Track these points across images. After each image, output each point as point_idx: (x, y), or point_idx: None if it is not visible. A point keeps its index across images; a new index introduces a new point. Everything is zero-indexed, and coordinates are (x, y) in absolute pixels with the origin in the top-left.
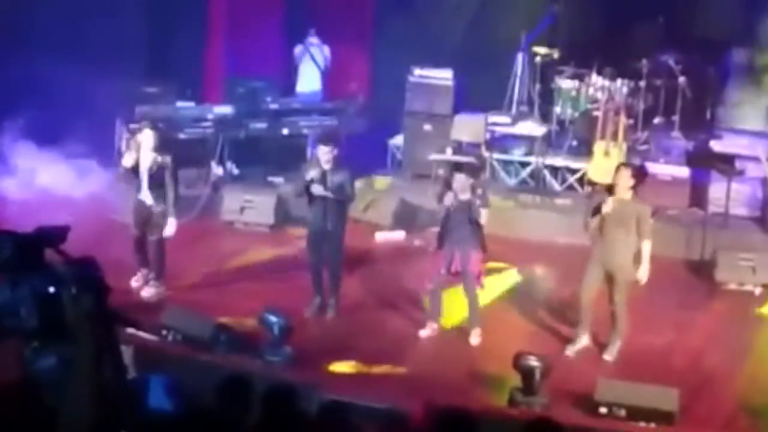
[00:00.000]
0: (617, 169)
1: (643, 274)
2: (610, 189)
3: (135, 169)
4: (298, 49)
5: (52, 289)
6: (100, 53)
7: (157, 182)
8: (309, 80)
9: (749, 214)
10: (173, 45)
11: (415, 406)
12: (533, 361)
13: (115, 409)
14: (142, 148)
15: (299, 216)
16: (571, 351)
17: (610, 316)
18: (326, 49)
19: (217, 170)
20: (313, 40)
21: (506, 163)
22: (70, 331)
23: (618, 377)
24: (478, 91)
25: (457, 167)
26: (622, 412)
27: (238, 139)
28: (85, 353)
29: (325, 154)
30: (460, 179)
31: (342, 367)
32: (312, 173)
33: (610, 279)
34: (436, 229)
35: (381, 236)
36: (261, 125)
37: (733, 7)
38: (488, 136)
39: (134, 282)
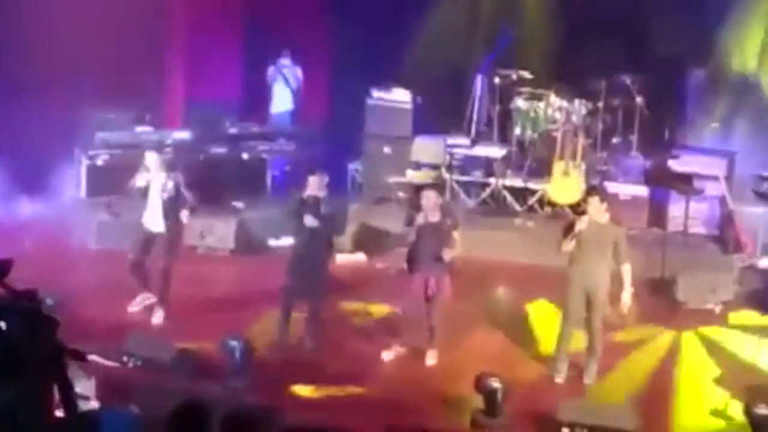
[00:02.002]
0: (587, 194)
1: (627, 298)
2: (575, 210)
3: (144, 191)
4: (270, 71)
5: (2, 324)
6: (57, 79)
7: (167, 203)
8: (281, 101)
9: (708, 233)
10: (131, 71)
11: (377, 430)
12: (495, 383)
13: None
14: (152, 171)
15: (260, 240)
16: (560, 378)
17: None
18: (298, 71)
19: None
20: (285, 61)
21: (466, 185)
22: (19, 365)
23: (579, 396)
24: (438, 113)
25: (426, 186)
26: None
27: (197, 163)
28: (35, 388)
29: (317, 182)
30: (430, 196)
31: (303, 390)
32: (305, 199)
33: (587, 302)
34: (397, 251)
35: (342, 258)
36: (220, 150)
37: (689, 26)
38: (448, 157)
39: (133, 307)
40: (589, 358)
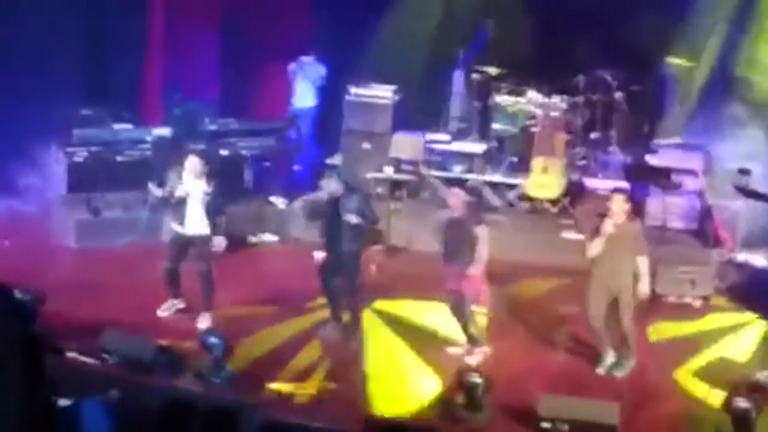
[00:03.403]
0: (612, 194)
1: (644, 288)
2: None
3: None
4: (292, 67)
5: None
6: (35, 76)
7: (204, 209)
8: (303, 97)
9: (687, 227)
10: (110, 67)
11: (355, 425)
12: (475, 378)
13: None
14: (188, 176)
15: (240, 237)
16: (602, 369)
17: (619, 338)
18: (321, 68)
19: (156, 192)
20: (307, 59)
21: (446, 181)
22: None
23: (560, 392)
24: (417, 110)
25: (453, 182)
26: (565, 427)
27: (177, 160)
28: (11, 381)
29: (331, 184)
30: (455, 192)
31: (282, 386)
32: (326, 197)
33: (614, 301)
34: (376, 248)
35: (319, 255)
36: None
37: (668, 21)
38: (427, 153)
39: (161, 311)
40: (628, 354)
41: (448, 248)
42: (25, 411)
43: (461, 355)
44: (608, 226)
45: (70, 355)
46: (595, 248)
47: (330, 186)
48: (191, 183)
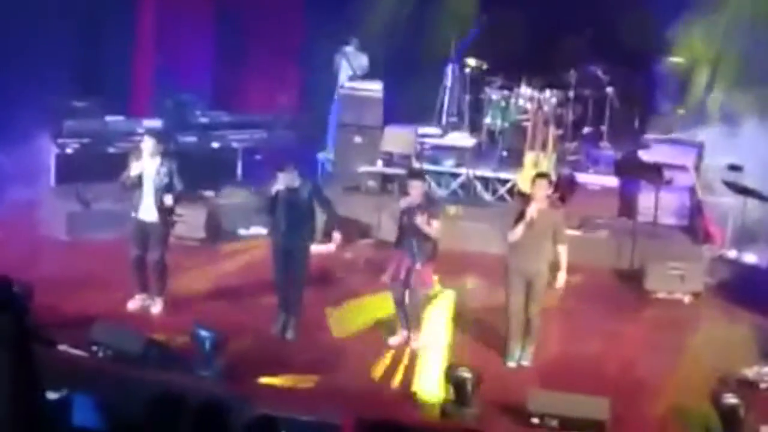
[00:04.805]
0: (534, 179)
1: (561, 279)
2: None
3: (138, 182)
4: (336, 57)
5: None
6: (26, 67)
7: (160, 191)
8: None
9: (677, 223)
10: (101, 59)
11: (346, 420)
12: (464, 373)
13: (35, 428)
14: (144, 156)
15: (230, 230)
16: (512, 361)
17: (525, 326)
18: (363, 58)
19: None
20: (349, 48)
21: (437, 174)
22: None
23: (549, 387)
24: (408, 103)
25: (413, 174)
26: (554, 423)
27: (167, 152)
28: (3, 373)
29: (287, 178)
30: (416, 185)
31: (273, 380)
32: (277, 188)
33: (527, 287)
34: (366, 242)
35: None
36: (190, 139)
37: (659, 17)
38: (418, 147)
39: (131, 305)
40: (529, 341)
41: (404, 238)
42: (17, 404)
43: (401, 343)
44: (532, 211)
45: (60, 347)
46: (516, 233)
47: (287, 178)
48: (147, 163)
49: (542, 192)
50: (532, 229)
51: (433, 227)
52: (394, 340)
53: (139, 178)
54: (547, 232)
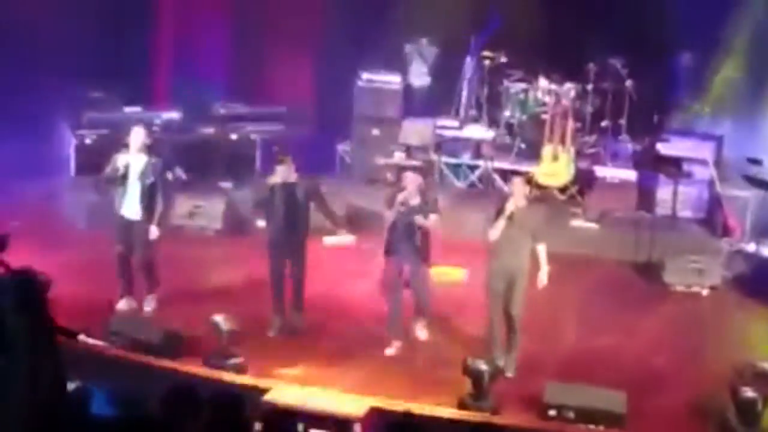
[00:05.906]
0: (513, 178)
1: (544, 276)
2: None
3: (123, 176)
4: (407, 48)
5: None
6: (45, 58)
7: (147, 190)
8: (417, 76)
9: (696, 217)
10: (120, 50)
11: (362, 411)
12: (482, 365)
13: (55, 418)
14: (131, 151)
15: (247, 221)
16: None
17: (507, 329)
18: (434, 49)
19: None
20: (423, 40)
21: (455, 167)
22: (7, 342)
23: (567, 380)
24: (427, 95)
25: (406, 168)
26: (571, 415)
27: (186, 143)
28: (23, 364)
29: (284, 171)
30: (411, 177)
31: (290, 372)
32: (274, 181)
33: (508, 289)
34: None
35: (329, 241)
36: (209, 130)
37: (680, 10)
38: (437, 139)
39: (119, 306)
40: (511, 347)
41: (400, 243)
42: (38, 395)
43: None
44: (509, 208)
45: (79, 338)
46: (496, 229)
47: (284, 172)
48: (133, 156)
49: (520, 190)
50: (513, 227)
51: (431, 220)
52: (389, 352)
53: (124, 174)
54: (528, 230)
